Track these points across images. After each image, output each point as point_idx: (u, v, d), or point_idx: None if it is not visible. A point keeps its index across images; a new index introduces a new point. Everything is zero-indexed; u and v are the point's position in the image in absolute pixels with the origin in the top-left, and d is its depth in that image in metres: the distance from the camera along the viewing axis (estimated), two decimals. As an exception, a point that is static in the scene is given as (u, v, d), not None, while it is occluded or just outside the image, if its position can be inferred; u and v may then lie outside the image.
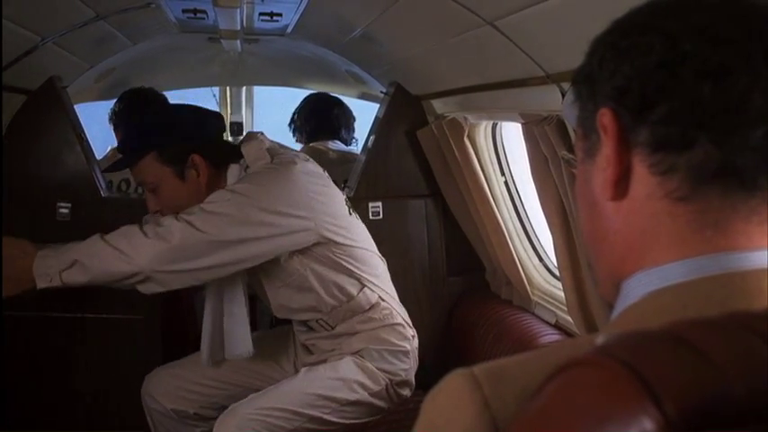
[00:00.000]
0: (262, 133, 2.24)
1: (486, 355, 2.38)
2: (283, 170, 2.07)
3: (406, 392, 2.22)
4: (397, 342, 2.22)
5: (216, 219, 2.00)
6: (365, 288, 2.20)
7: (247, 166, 2.12)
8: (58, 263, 1.99)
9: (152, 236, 1.98)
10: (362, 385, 2.14)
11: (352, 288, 2.18)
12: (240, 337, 2.22)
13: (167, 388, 2.33)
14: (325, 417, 2.09)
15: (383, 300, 2.24)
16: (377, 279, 2.24)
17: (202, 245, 1.98)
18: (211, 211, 2.00)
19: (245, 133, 4.53)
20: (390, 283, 2.31)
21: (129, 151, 2.16)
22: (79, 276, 1.99)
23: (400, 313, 2.27)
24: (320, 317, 2.22)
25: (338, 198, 2.19)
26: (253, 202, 2.01)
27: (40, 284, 1.99)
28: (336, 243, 2.12)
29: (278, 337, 2.44)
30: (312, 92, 3.64)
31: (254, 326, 2.46)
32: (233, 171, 2.14)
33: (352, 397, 2.12)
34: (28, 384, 2.62)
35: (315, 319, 2.23)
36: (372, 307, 2.22)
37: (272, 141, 2.23)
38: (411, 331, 2.28)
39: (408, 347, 2.24)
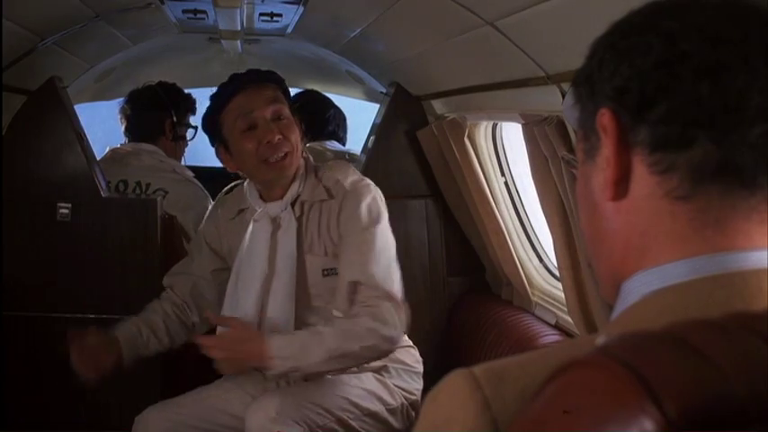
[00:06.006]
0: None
1: (487, 355, 2.38)
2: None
3: (415, 415, 2.20)
4: (411, 363, 2.24)
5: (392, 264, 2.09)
6: None
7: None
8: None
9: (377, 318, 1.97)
10: (381, 399, 2.12)
11: None
12: (285, 314, 2.11)
13: (165, 427, 2.12)
14: (349, 421, 2.04)
15: None
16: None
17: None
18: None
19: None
20: None
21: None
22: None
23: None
24: None
25: None
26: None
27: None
28: None
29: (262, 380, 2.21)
30: (300, 90, 3.59)
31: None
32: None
33: (372, 408, 2.09)
34: (27, 384, 2.62)
35: None
36: None
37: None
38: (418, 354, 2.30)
39: (420, 369, 2.25)
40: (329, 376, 2.09)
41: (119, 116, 3.13)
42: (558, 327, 2.31)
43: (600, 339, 0.60)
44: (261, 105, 2.08)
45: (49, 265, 2.60)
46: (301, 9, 2.58)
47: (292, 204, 2.12)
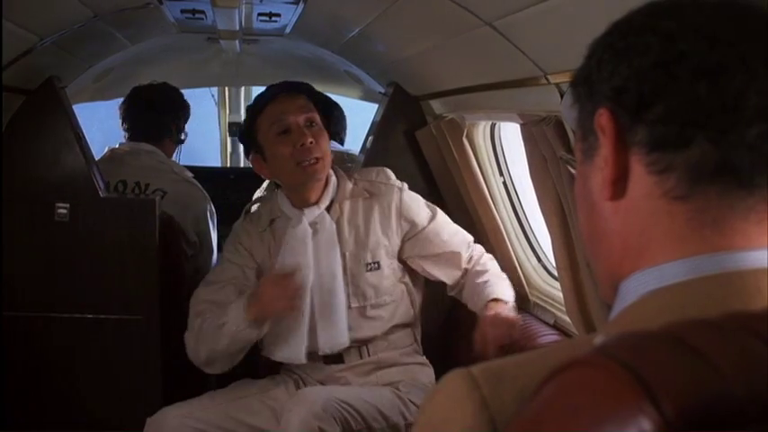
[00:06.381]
0: None
1: (485, 355, 2.38)
2: None
3: None
4: (426, 382, 2.26)
5: None
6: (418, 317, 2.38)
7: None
8: None
9: None
10: (402, 414, 2.13)
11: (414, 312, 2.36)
12: (340, 328, 2.20)
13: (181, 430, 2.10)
14: (376, 431, 2.07)
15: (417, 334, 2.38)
16: None
17: None
18: None
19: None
20: None
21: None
22: None
23: None
24: (376, 339, 2.27)
25: None
26: None
27: None
28: None
29: (277, 383, 2.30)
30: None
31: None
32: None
33: (395, 420, 2.10)
34: (26, 384, 2.62)
35: (365, 344, 2.26)
36: (415, 340, 2.35)
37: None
38: None
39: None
40: (357, 386, 2.19)
41: (121, 113, 3.12)
42: (556, 327, 2.31)
43: (598, 339, 0.60)
44: (294, 111, 2.20)
45: (47, 265, 2.59)
46: (300, 9, 2.58)
47: (327, 208, 2.23)
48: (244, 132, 2.30)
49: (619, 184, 0.67)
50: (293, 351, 2.20)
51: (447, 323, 2.83)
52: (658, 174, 0.64)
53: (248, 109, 2.30)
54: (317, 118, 2.22)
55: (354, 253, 2.25)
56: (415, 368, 2.29)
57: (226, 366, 2.20)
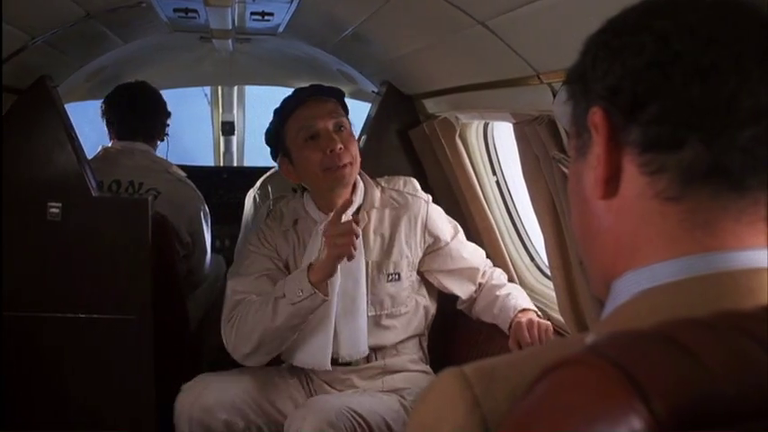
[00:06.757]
0: None
1: (478, 354, 2.38)
2: None
3: None
4: None
5: None
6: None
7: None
8: None
9: None
10: (406, 422, 2.12)
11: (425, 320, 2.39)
12: (361, 336, 2.21)
13: (222, 398, 2.12)
14: None
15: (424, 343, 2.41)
16: None
17: None
18: None
19: (236, 133, 4.56)
20: None
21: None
22: None
23: None
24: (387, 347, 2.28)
25: None
26: None
27: None
28: None
29: (283, 376, 2.31)
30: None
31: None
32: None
33: (397, 430, 2.09)
34: (18, 384, 2.60)
35: (375, 350, 2.26)
36: (422, 350, 2.38)
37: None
38: None
39: None
40: (362, 390, 2.20)
41: (104, 112, 3.11)
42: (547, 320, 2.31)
43: (590, 338, 0.60)
44: (323, 116, 2.18)
45: (39, 264, 2.58)
46: (293, 8, 2.58)
47: (355, 214, 2.22)
48: (271, 135, 2.28)
49: (611, 184, 0.67)
50: (317, 357, 2.18)
51: (439, 323, 2.83)
52: (650, 174, 0.64)
53: (276, 112, 2.28)
54: (347, 122, 2.22)
55: (378, 262, 2.26)
56: (419, 376, 2.30)
57: (272, 353, 2.17)
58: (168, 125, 3.22)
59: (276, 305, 2.07)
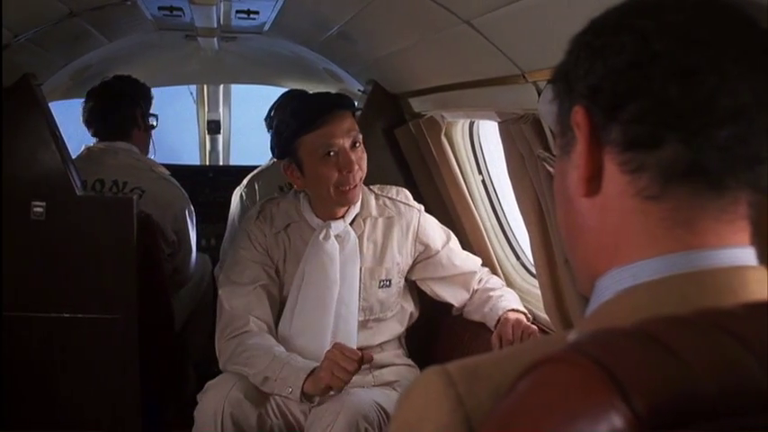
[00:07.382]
0: None
1: (463, 353, 2.39)
2: None
3: None
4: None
5: None
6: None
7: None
8: None
9: None
10: None
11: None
12: (352, 339, 2.23)
13: (251, 394, 2.11)
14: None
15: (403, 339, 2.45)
16: None
17: None
18: None
19: (221, 131, 4.55)
20: None
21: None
22: None
23: None
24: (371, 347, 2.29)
25: None
26: None
27: None
28: None
29: None
30: (288, 89, 3.60)
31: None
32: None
33: None
34: (2, 384, 2.59)
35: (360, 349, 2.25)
36: (401, 345, 2.43)
37: None
38: None
39: None
40: (358, 386, 2.17)
41: (84, 118, 3.09)
42: (534, 324, 2.32)
43: (572, 336, 0.60)
44: (342, 134, 2.17)
45: (23, 264, 2.57)
46: (278, 6, 2.57)
47: (351, 222, 2.28)
48: (280, 138, 2.23)
49: (593, 182, 0.67)
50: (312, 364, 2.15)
51: (424, 321, 2.83)
52: (631, 173, 0.65)
53: (290, 115, 2.21)
54: (360, 137, 2.21)
55: (371, 269, 2.30)
56: (406, 369, 2.35)
57: None
58: (152, 115, 3.19)
59: (265, 381, 2.07)
